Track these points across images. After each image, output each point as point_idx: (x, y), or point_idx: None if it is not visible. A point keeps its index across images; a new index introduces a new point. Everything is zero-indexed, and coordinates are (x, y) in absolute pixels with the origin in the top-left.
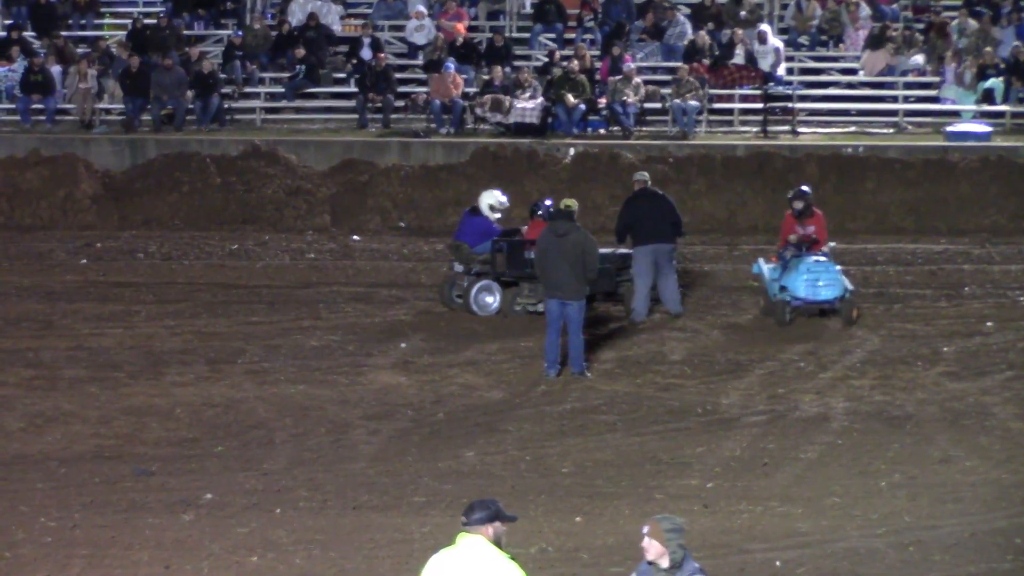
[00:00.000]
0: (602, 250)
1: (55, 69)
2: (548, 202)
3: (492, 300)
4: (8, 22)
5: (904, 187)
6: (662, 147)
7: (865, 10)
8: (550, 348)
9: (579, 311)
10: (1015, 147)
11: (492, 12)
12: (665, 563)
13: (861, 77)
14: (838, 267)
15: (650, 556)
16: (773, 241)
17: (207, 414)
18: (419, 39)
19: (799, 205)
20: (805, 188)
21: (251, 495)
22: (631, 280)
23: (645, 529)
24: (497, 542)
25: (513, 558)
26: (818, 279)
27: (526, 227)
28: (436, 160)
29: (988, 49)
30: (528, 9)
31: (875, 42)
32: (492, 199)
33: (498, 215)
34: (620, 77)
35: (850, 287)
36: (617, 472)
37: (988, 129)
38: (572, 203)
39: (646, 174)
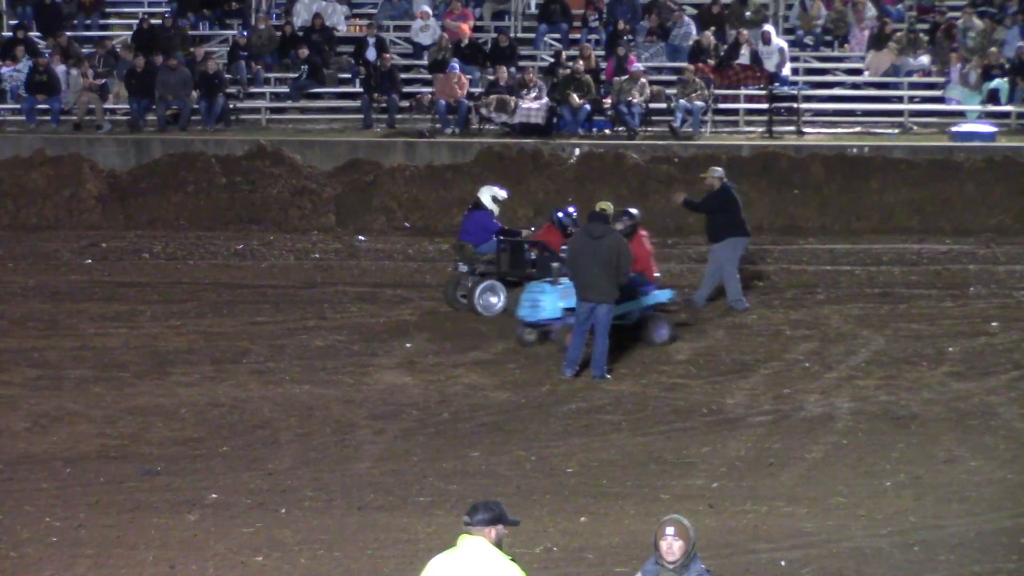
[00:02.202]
0: None
1: (60, 69)
2: (571, 209)
3: (496, 300)
4: (13, 22)
5: (909, 187)
6: (667, 147)
7: (871, 10)
8: (572, 349)
9: (607, 314)
10: (1020, 147)
11: (497, 12)
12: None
13: (866, 77)
14: (555, 291)
15: (675, 556)
16: (777, 241)
17: (212, 414)
18: (424, 39)
19: (619, 227)
20: (631, 210)
21: (256, 495)
22: None
23: (670, 530)
24: (498, 544)
25: (514, 560)
26: (530, 301)
27: (533, 228)
28: (441, 160)
29: (993, 49)
30: (533, 9)
31: (877, 41)
32: (493, 192)
33: (497, 208)
34: (626, 77)
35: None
36: (622, 472)
37: (993, 129)
38: (607, 206)
39: (721, 169)
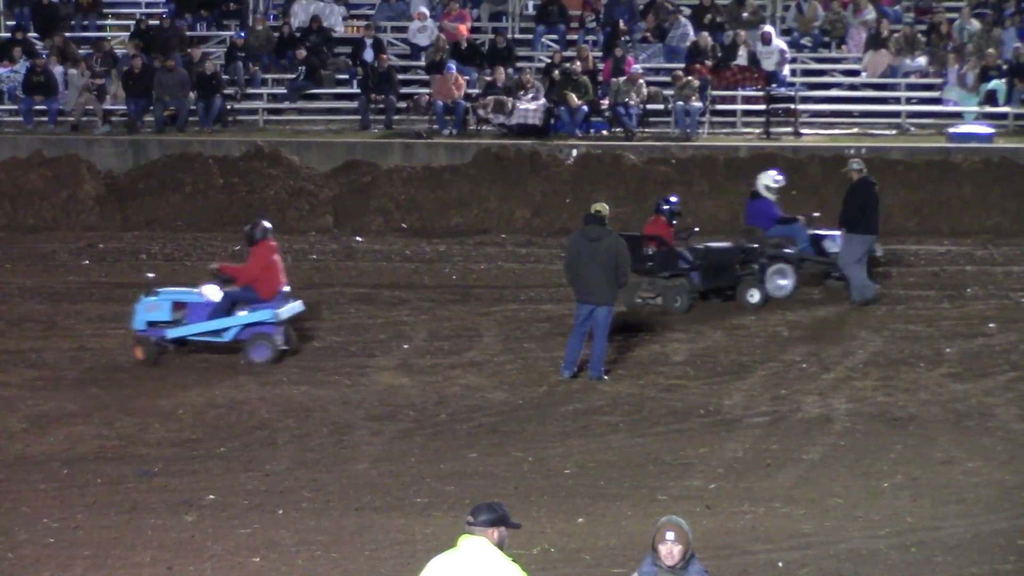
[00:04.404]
0: (723, 244)
1: (58, 70)
2: (673, 199)
3: (786, 283)
4: (11, 23)
5: (907, 188)
6: (665, 148)
7: (871, 11)
8: (570, 350)
9: (607, 315)
10: (1017, 148)
11: (495, 13)
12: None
13: (864, 78)
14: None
15: (675, 559)
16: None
17: (210, 415)
18: (422, 40)
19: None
20: (264, 222)
21: (253, 496)
22: (752, 274)
23: (671, 535)
24: (499, 546)
25: (515, 561)
26: (133, 311)
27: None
28: (439, 161)
29: (991, 50)
30: (531, 10)
31: (874, 43)
32: (768, 180)
33: (775, 195)
34: (623, 78)
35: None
36: (620, 473)
37: (990, 131)
38: (603, 207)
39: (860, 160)
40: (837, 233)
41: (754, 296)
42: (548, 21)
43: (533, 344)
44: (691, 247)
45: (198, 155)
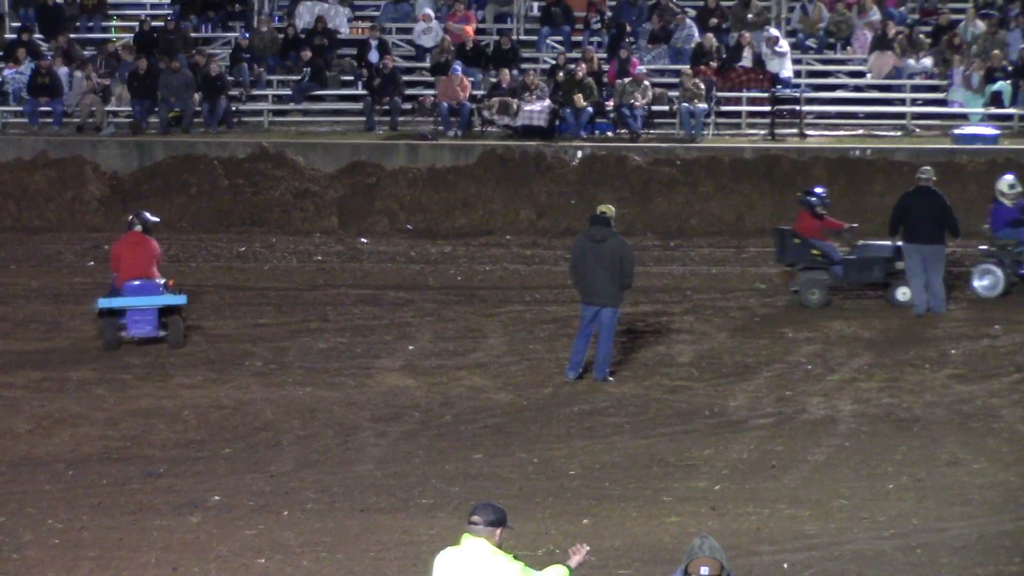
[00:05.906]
0: (878, 242)
1: (62, 71)
2: (819, 190)
3: (987, 284)
4: (16, 24)
5: None
6: (669, 150)
7: (876, 13)
8: (575, 351)
9: (612, 316)
10: (1023, 150)
11: (499, 15)
12: None
13: (869, 80)
14: None
15: None
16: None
17: (214, 416)
18: (426, 41)
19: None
20: (145, 214)
21: (258, 497)
22: (902, 272)
23: (705, 570)
24: (498, 546)
25: (517, 558)
26: None
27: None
28: (443, 163)
29: (996, 52)
30: (535, 12)
31: (878, 44)
32: (1003, 185)
33: (1011, 200)
34: (629, 80)
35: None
36: (624, 474)
37: (996, 132)
38: (609, 209)
39: (929, 170)
40: None
41: (904, 295)
42: (553, 23)
43: (538, 345)
44: (852, 244)
45: (203, 156)
